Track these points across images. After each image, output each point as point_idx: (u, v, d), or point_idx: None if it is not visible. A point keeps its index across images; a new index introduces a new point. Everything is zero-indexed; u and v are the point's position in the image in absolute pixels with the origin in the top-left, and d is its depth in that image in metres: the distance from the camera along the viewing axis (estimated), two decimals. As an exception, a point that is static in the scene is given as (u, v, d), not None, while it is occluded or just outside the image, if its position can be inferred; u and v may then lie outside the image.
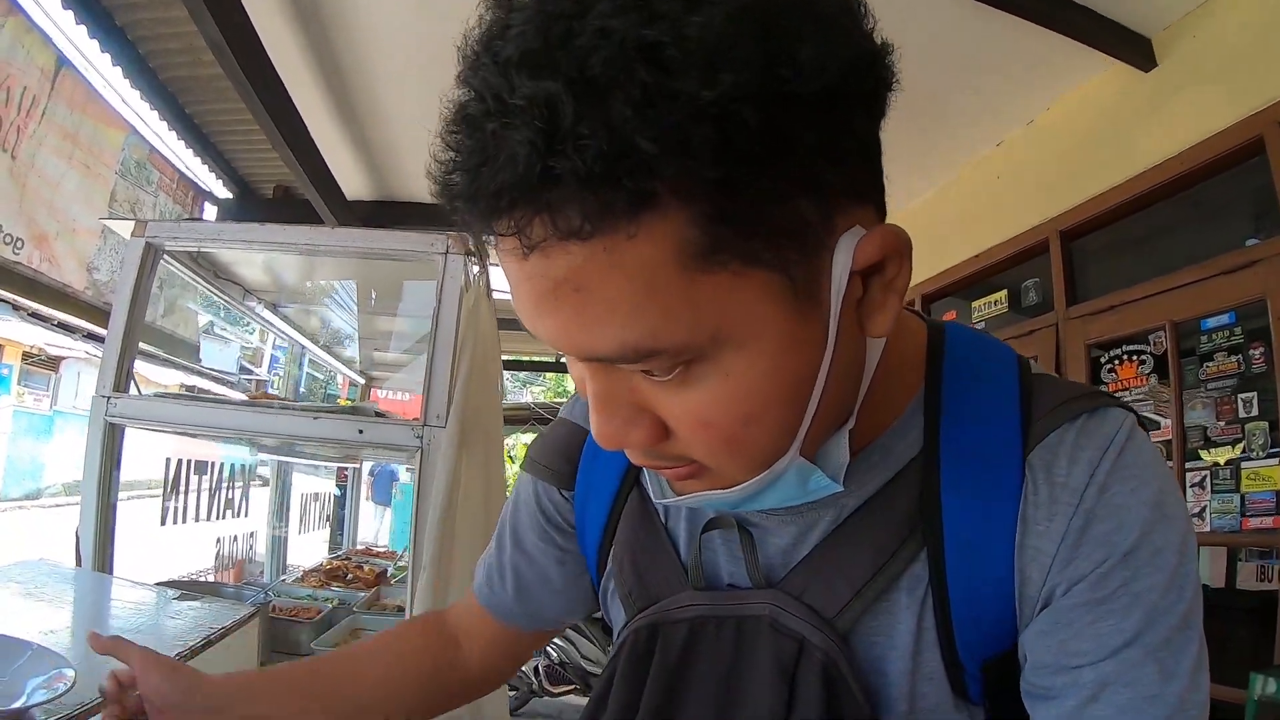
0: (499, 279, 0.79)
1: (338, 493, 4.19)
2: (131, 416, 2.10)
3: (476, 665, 0.84)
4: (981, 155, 3.61)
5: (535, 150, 0.36)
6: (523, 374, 15.31)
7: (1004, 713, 0.58)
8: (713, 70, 0.36)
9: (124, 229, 2.25)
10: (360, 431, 2.11)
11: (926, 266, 3.98)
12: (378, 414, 2.22)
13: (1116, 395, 0.66)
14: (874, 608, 0.58)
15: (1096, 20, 2.61)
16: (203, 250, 2.33)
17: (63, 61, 3.02)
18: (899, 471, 0.59)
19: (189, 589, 2.01)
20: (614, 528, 0.71)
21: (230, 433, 2.36)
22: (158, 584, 2.33)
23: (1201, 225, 2.65)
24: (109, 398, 2.09)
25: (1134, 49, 2.71)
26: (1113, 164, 2.84)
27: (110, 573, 2.11)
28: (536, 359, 8.68)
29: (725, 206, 0.39)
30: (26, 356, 13.09)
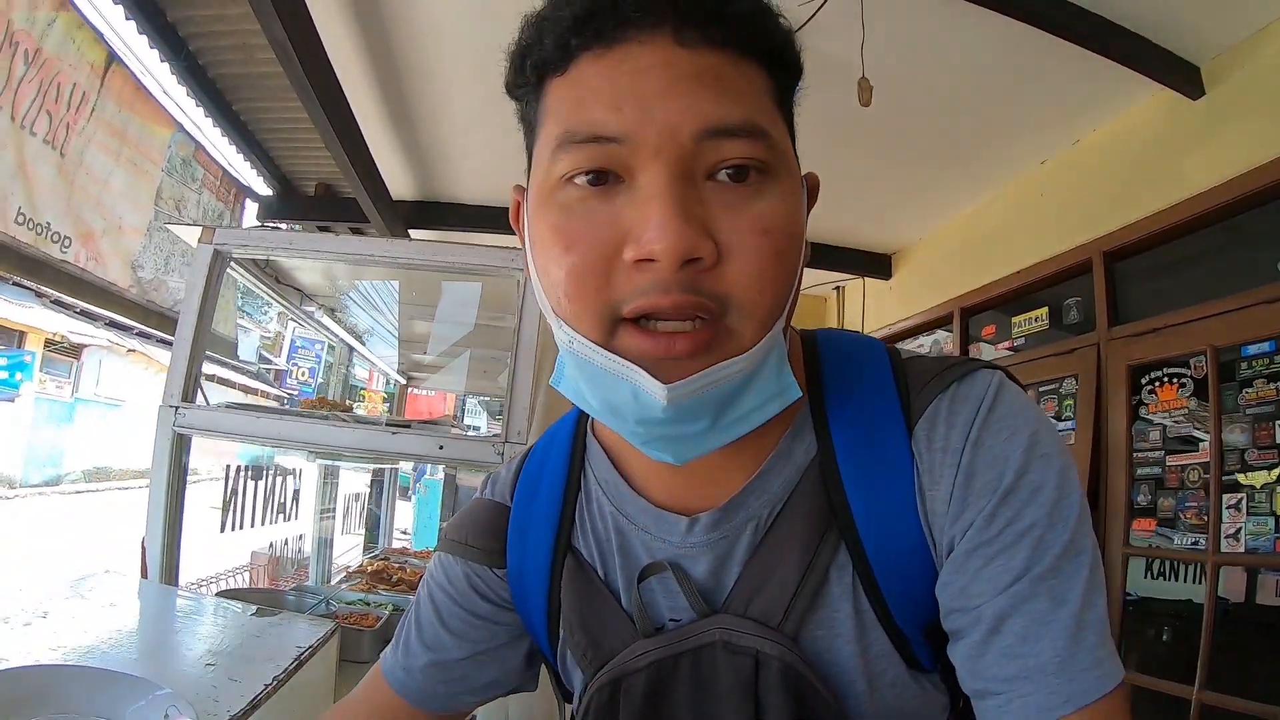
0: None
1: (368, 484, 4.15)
2: (200, 427, 2.10)
3: None
4: (1025, 172, 3.63)
5: None
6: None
7: (955, 678, 0.61)
8: (779, 16, 0.59)
9: (190, 235, 2.22)
10: (441, 447, 2.11)
11: (967, 279, 4.02)
12: (452, 426, 2.23)
13: (989, 360, 0.77)
14: (812, 604, 0.62)
15: (1147, 47, 2.64)
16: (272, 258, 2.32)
17: (113, 57, 2.97)
18: (802, 475, 0.64)
19: (256, 601, 2.01)
20: (557, 596, 0.73)
21: (307, 446, 2.36)
22: (219, 594, 2.33)
23: (1246, 253, 2.69)
24: (177, 408, 2.08)
25: (1183, 76, 2.75)
26: (1158, 188, 2.89)
27: (176, 582, 2.11)
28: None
29: (781, 78, 0.59)
30: (49, 344, 13.12)
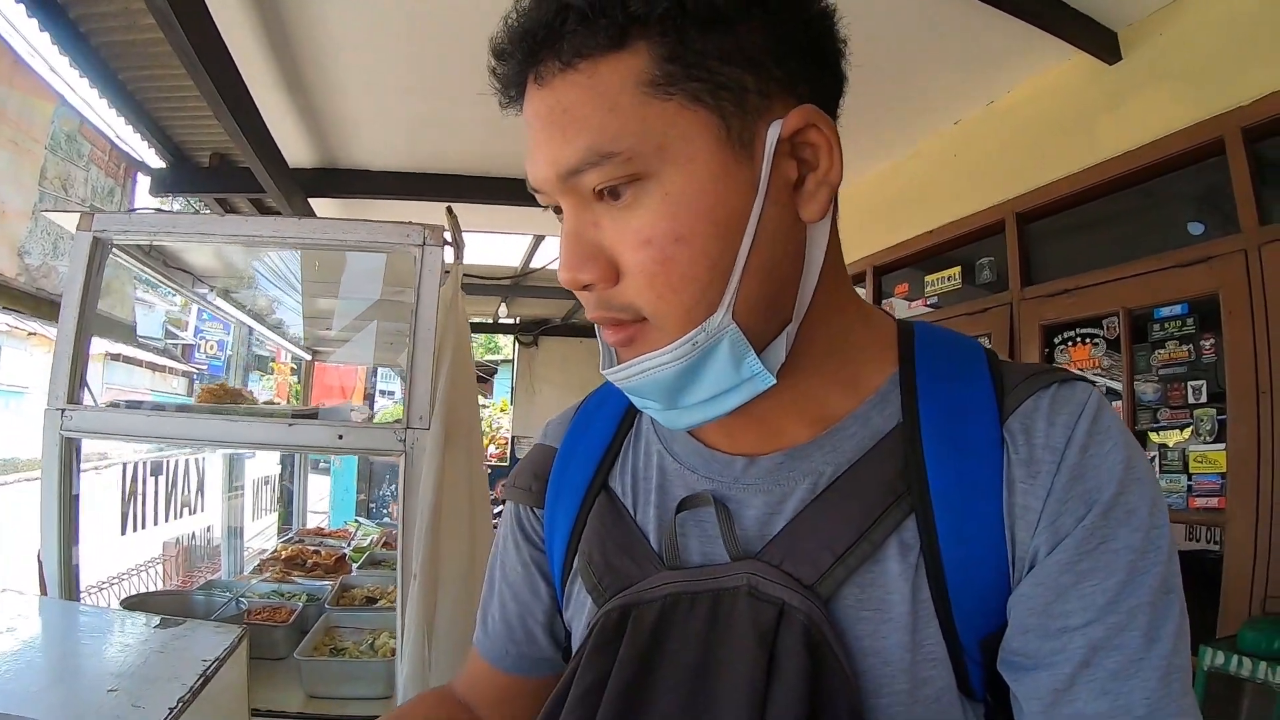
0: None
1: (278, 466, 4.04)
2: (89, 430, 1.99)
3: None
4: (939, 132, 3.63)
5: (560, 3, 0.52)
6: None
7: (1001, 717, 0.59)
8: None
9: (68, 221, 2.09)
10: (340, 437, 2.04)
11: (880, 238, 4.03)
12: (353, 409, 2.16)
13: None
14: (861, 578, 0.58)
15: (1064, 10, 2.62)
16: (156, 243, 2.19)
17: (-15, 30, 2.74)
18: (879, 441, 0.61)
19: (157, 607, 1.93)
20: (581, 528, 0.72)
21: (199, 442, 2.26)
22: (125, 601, 2.24)
23: (1159, 217, 2.73)
24: (63, 410, 1.96)
25: (1099, 41, 2.74)
26: (1071, 152, 2.89)
27: (77, 596, 2.01)
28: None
29: (678, 52, 0.52)
30: None
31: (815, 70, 0.59)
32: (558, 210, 0.59)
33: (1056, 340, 2.99)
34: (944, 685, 0.57)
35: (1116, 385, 2.73)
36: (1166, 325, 2.60)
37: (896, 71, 3.09)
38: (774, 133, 0.55)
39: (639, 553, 0.66)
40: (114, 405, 2.12)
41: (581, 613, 0.70)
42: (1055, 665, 0.53)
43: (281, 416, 2.07)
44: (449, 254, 2.12)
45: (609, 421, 0.76)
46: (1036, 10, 2.59)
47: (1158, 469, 2.56)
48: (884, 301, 4.14)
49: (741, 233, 0.55)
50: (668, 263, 0.54)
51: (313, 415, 2.15)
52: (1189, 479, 2.48)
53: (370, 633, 2.32)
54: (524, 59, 0.56)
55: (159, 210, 2.26)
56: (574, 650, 0.67)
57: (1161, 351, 2.61)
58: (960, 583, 0.56)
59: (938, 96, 3.32)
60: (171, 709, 1.21)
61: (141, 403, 2.13)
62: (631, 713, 0.58)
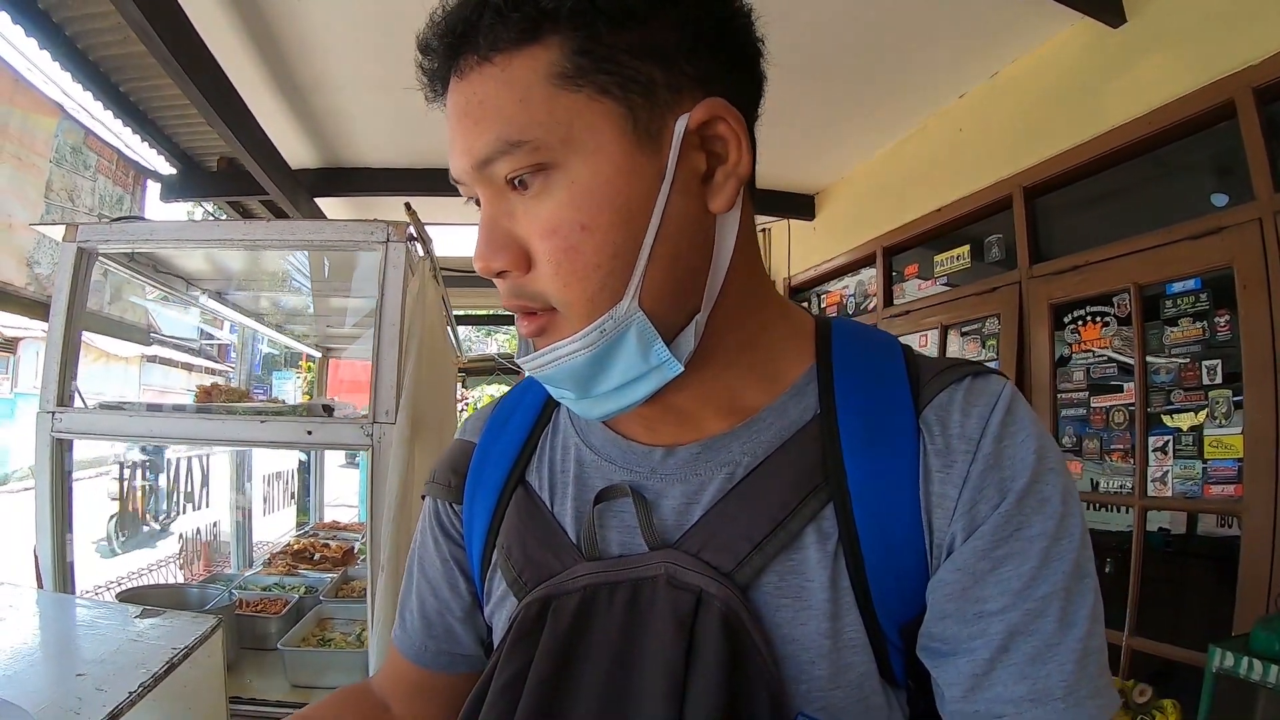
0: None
1: (303, 457, 4.12)
2: (79, 431, 2.08)
3: None
4: (944, 107, 3.52)
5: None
6: (486, 326, 15.33)
7: (923, 702, 0.60)
8: None
9: (56, 233, 2.17)
10: (309, 433, 2.08)
11: (889, 218, 3.94)
12: (325, 408, 2.19)
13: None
14: (779, 565, 0.58)
15: (1065, -29, 2.49)
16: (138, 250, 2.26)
17: (-16, 51, 2.86)
18: (795, 433, 0.63)
19: (152, 601, 1.99)
20: (499, 524, 0.72)
21: (180, 441, 2.33)
22: (120, 595, 2.32)
23: (1169, 187, 2.59)
24: (54, 413, 2.05)
25: (1103, 4, 2.59)
26: (1078, 121, 2.77)
27: (72, 589, 2.10)
28: (497, 312, 8.69)
29: (588, 45, 0.54)
30: None
31: (728, 68, 0.59)
32: (478, 202, 0.61)
33: (1066, 319, 2.87)
34: (865, 671, 0.58)
35: (1129, 362, 2.59)
36: (1179, 301, 2.46)
37: (898, 47, 3.01)
38: (681, 124, 0.56)
39: (558, 545, 0.67)
40: (103, 406, 2.18)
41: (502, 607, 0.70)
42: (974, 651, 0.54)
43: (253, 415, 2.11)
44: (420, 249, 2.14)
45: (526, 416, 0.77)
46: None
47: (1171, 455, 2.44)
48: (894, 286, 4.05)
49: (646, 222, 0.56)
50: (572, 251, 0.55)
51: (328, 410, 2.19)
52: (1204, 464, 2.35)
53: (360, 624, 2.36)
54: (446, 54, 0.57)
55: (140, 219, 2.32)
56: (495, 645, 0.69)
57: (1174, 330, 2.47)
58: (879, 571, 0.57)
59: (941, 70, 3.21)
60: (131, 693, 1.25)
61: (129, 403, 2.20)
62: (553, 703, 0.59)
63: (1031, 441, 0.57)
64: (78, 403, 2.11)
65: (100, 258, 2.20)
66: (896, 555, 0.57)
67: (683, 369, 0.59)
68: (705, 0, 0.57)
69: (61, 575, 2.05)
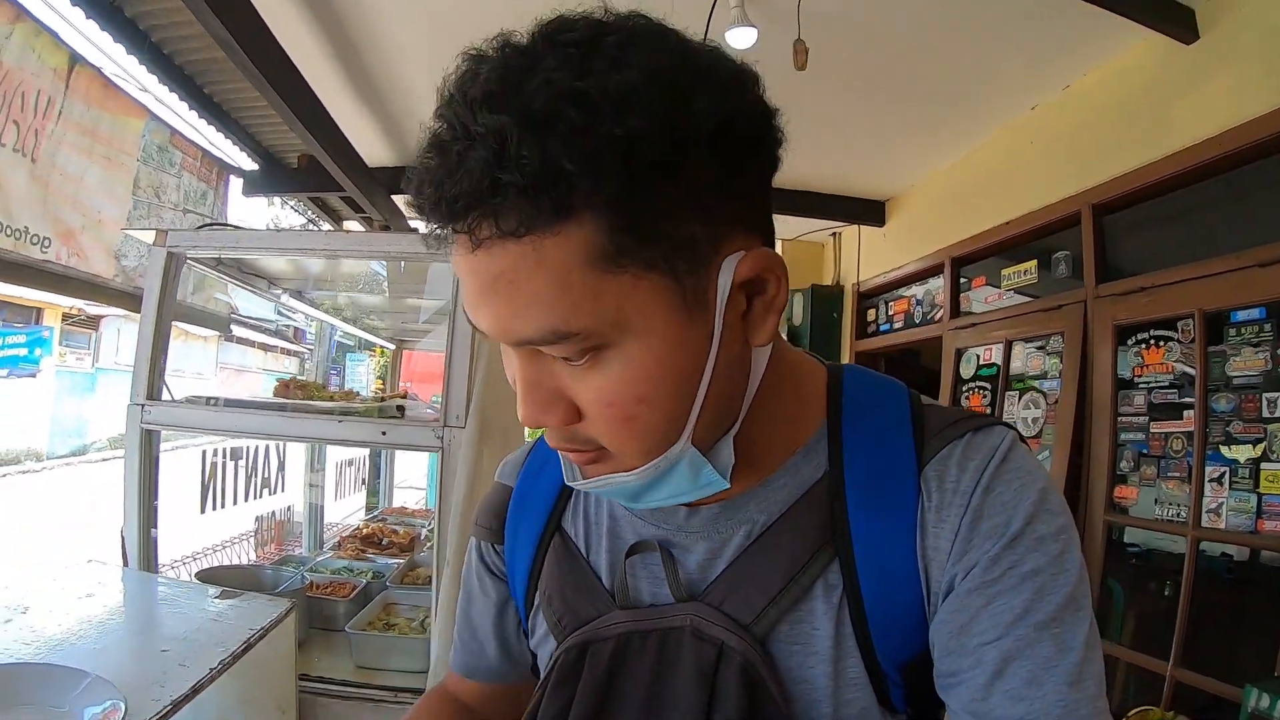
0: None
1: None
2: (165, 423, 2.20)
3: None
4: (1016, 118, 3.48)
5: (488, 166, 0.47)
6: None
7: None
8: (624, 113, 0.47)
9: (146, 238, 2.29)
10: (383, 434, 2.18)
11: (955, 229, 3.92)
12: (399, 408, 2.29)
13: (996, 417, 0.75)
14: (790, 616, 0.64)
15: (1140, -11, 2.45)
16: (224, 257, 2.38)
17: (76, 59, 3.03)
18: (806, 491, 0.66)
19: (228, 581, 2.12)
20: (539, 568, 0.78)
21: (260, 437, 2.46)
22: (199, 574, 2.47)
23: (1238, 211, 2.53)
24: (143, 405, 2.17)
25: (1176, 19, 2.56)
26: (1149, 138, 2.73)
27: (155, 569, 2.23)
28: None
29: (627, 220, 0.49)
30: (66, 317, 13.60)
31: (759, 185, 0.59)
32: None
33: (1130, 340, 2.83)
34: (866, 705, 0.63)
35: (1191, 389, 2.56)
36: (1243, 330, 2.42)
37: (971, 58, 3.01)
38: (726, 279, 0.55)
39: (594, 593, 0.72)
40: (189, 400, 2.31)
41: (544, 644, 0.76)
42: (973, 679, 0.58)
43: (330, 415, 2.22)
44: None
45: (559, 467, 0.77)
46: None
47: (1227, 486, 2.41)
48: (961, 294, 4.02)
49: (699, 381, 0.56)
50: (631, 420, 0.56)
51: (393, 405, 2.29)
52: (1259, 499, 2.31)
53: (423, 610, 2.45)
54: (450, 219, 0.51)
55: (228, 226, 2.44)
56: (539, 680, 0.74)
57: (1237, 358, 2.42)
58: (880, 618, 0.62)
59: (1013, 82, 3.19)
60: (211, 669, 1.38)
61: (214, 398, 2.33)
62: None
63: (1026, 487, 0.60)
64: (165, 396, 2.24)
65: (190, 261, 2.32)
66: (895, 604, 0.62)
67: (728, 485, 0.63)
68: (732, 125, 0.53)
69: (146, 555, 2.18)
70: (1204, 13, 2.55)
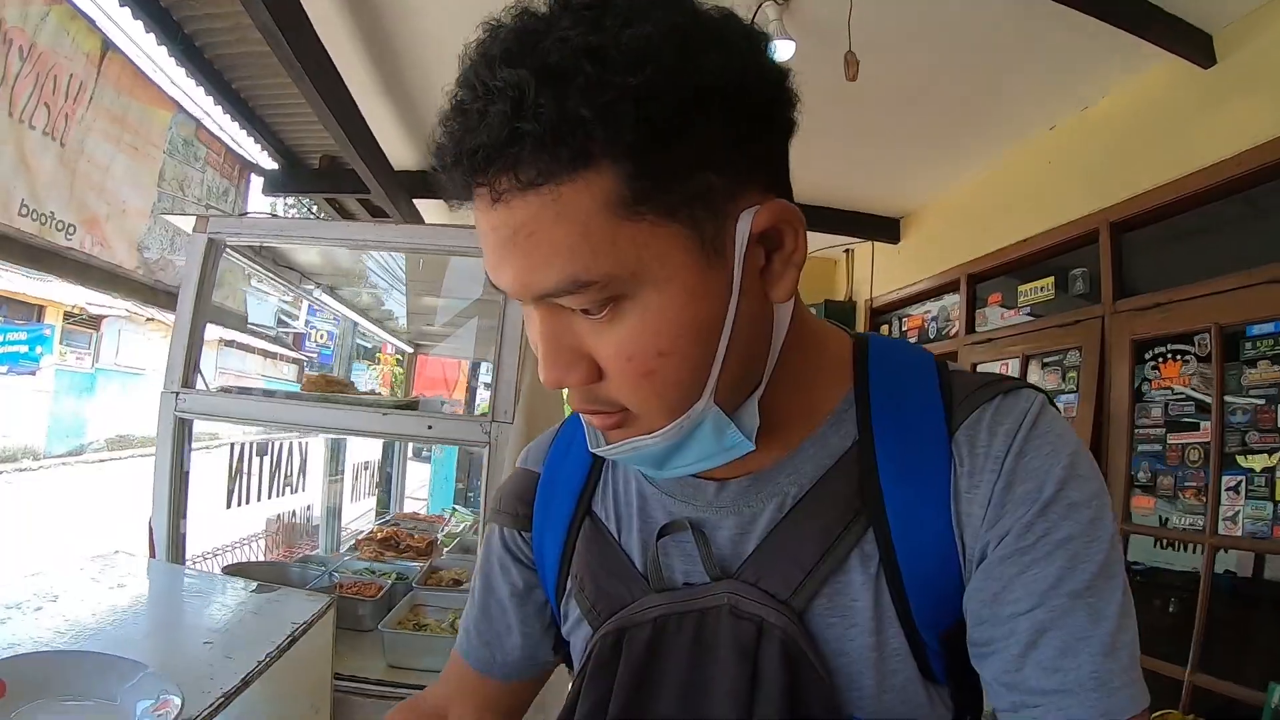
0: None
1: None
2: (200, 412, 2.15)
3: None
4: (1034, 138, 3.56)
5: (506, 118, 0.48)
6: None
7: (965, 695, 0.65)
8: (638, 66, 0.48)
9: (186, 224, 2.26)
10: (430, 427, 2.16)
11: (974, 245, 3.99)
12: (444, 402, 2.28)
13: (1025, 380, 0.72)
14: (828, 588, 0.63)
15: (1158, 14, 2.55)
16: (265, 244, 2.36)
17: (108, 45, 3.00)
18: (836, 461, 0.66)
19: (256, 576, 2.08)
20: (570, 553, 0.76)
21: (298, 428, 2.43)
22: (226, 568, 2.42)
23: (1255, 228, 2.63)
24: (177, 393, 2.12)
25: (1194, 44, 2.66)
26: (1167, 159, 2.82)
27: (183, 561, 2.18)
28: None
29: (644, 168, 0.50)
30: (68, 316, 13.64)
31: (774, 143, 0.59)
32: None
33: (1147, 355, 2.91)
34: (909, 675, 0.62)
35: (1207, 401, 2.64)
36: (1259, 344, 2.51)
37: (990, 77, 3.08)
38: (744, 229, 0.56)
39: (627, 576, 0.71)
40: (224, 390, 2.28)
41: (578, 630, 0.75)
42: (1007, 649, 0.58)
43: (378, 407, 2.20)
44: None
45: (585, 450, 0.78)
46: (1130, 13, 2.53)
47: (1244, 495, 2.48)
48: (977, 311, 4.09)
49: (720, 332, 0.56)
50: (651, 374, 0.56)
51: (410, 406, 2.28)
52: (1275, 506, 2.38)
53: (453, 612, 2.43)
54: (471, 173, 0.53)
55: (271, 215, 2.42)
56: (574, 669, 0.75)
57: (1253, 371, 2.51)
58: (917, 586, 0.61)
59: (1032, 101, 3.27)
60: (260, 662, 1.34)
61: (249, 389, 2.29)
62: None
63: (1058, 452, 0.60)
64: (199, 385, 2.20)
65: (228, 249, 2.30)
66: (933, 572, 0.61)
67: (753, 446, 0.62)
68: (744, 81, 0.54)
69: (175, 547, 2.14)
70: (1221, 39, 2.65)
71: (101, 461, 12.64)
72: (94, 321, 13.64)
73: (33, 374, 12.10)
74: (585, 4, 0.51)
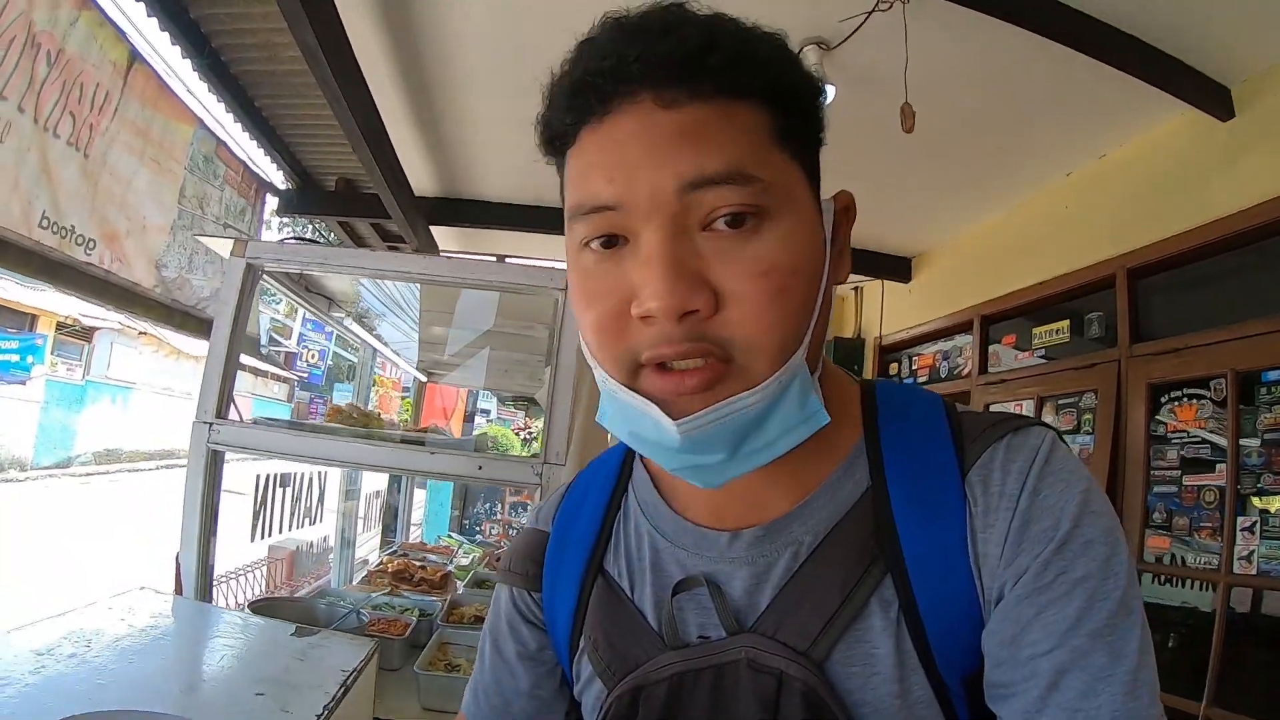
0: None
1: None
2: (233, 443, 2.08)
3: None
4: (1051, 184, 3.64)
5: (701, 37, 0.56)
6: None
7: None
8: (780, 47, 0.61)
9: (223, 248, 2.19)
10: (480, 468, 2.12)
11: (988, 287, 4.04)
12: (494, 444, 2.24)
13: (1039, 419, 0.73)
14: (848, 637, 0.62)
15: (1178, 67, 2.63)
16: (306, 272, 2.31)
17: (135, 55, 2.91)
18: (850, 508, 0.65)
19: (282, 614, 2.02)
20: (583, 613, 0.75)
21: (340, 464, 2.35)
22: (252, 605, 2.34)
23: (1271, 277, 2.70)
24: (210, 424, 2.06)
25: (1213, 98, 2.74)
26: (1184, 208, 2.90)
27: (210, 599, 2.11)
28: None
29: (791, 111, 0.59)
30: (60, 327, 13.43)
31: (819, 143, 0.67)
32: (605, 243, 0.59)
33: (1163, 399, 2.98)
34: None
35: (1222, 443, 2.72)
36: (1273, 389, 2.59)
37: (1009, 122, 3.13)
38: (829, 205, 0.65)
39: (641, 635, 0.70)
40: (257, 422, 2.21)
41: (590, 688, 0.74)
42: (1026, 691, 0.56)
43: (422, 445, 2.15)
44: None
45: (597, 504, 0.79)
46: (1151, 66, 2.60)
47: (1259, 535, 2.55)
48: (990, 350, 4.14)
49: (820, 279, 0.61)
50: (784, 293, 0.57)
51: (462, 446, 2.22)
52: (1289, 546, 2.45)
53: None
54: (643, 78, 0.56)
55: (311, 241, 2.36)
56: None
57: (1268, 415, 2.59)
58: (939, 630, 0.60)
59: (1050, 148, 3.34)
60: (319, 715, 1.30)
61: (284, 421, 2.22)
62: None
63: (1071, 488, 0.59)
64: (233, 415, 2.13)
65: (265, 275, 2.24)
66: (954, 615, 0.60)
67: (828, 419, 0.62)
68: (810, 81, 0.63)
69: (203, 584, 2.06)
70: (1240, 93, 2.74)
71: (89, 475, 12.45)
72: (87, 333, 13.49)
73: (23, 383, 11.92)
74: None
